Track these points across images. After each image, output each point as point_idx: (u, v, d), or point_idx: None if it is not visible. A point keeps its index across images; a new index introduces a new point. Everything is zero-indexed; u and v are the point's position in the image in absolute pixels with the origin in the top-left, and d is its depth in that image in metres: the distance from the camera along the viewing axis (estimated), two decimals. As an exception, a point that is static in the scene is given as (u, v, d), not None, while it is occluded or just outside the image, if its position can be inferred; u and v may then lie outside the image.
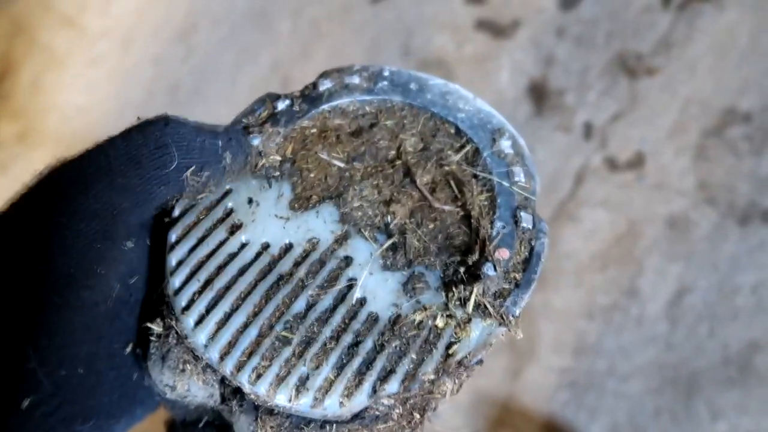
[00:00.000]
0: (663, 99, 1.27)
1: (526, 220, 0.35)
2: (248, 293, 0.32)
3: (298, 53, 1.53)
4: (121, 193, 0.31)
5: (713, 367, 1.15)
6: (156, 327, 0.32)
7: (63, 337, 0.31)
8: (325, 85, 0.39)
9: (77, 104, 1.69)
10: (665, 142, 1.26)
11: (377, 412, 0.30)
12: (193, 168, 0.32)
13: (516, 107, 1.33)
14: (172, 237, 0.34)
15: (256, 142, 0.36)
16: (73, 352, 0.31)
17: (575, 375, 1.21)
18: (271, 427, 0.30)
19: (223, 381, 0.32)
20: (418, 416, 0.31)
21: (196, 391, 0.32)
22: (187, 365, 0.32)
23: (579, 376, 1.21)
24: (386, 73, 0.40)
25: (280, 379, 0.30)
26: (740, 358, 1.15)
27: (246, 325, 0.32)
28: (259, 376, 0.30)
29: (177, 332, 0.32)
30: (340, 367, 0.31)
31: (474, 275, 0.33)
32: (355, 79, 0.40)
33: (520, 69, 1.36)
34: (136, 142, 0.32)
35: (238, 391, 0.31)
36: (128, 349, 0.34)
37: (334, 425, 0.30)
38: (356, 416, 0.30)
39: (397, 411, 0.31)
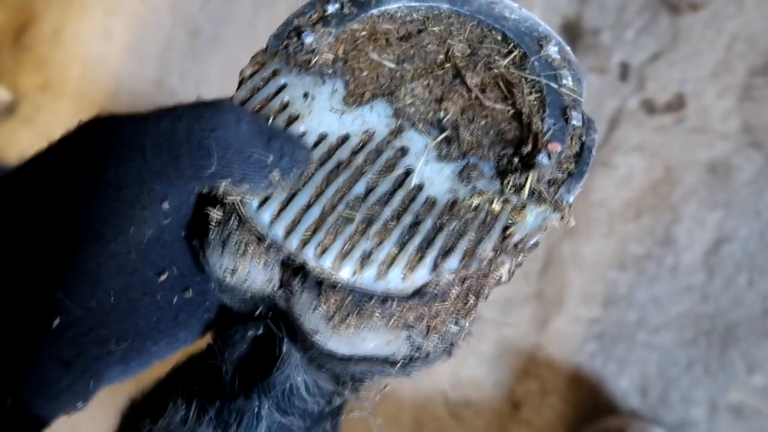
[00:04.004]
0: (707, 36, 1.19)
1: (575, 118, 0.36)
2: (309, 177, 0.33)
3: (319, -4, 1.48)
4: (153, 178, 0.30)
5: (751, 318, 1.10)
6: (216, 213, 0.32)
7: (92, 279, 0.31)
8: None
9: (98, 54, 1.68)
10: (708, 82, 1.18)
11: (436, 289, 0.31)
12: (229, 179, 0.31)
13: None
14: None
15: (309, 39, 0.37)
16: (104, 287, 0.31)
17: (604, 326, 1.18)
18: (334, 302, 0.31)
19: (283, 265, 0.32)
20: (473, 299, 0.32)
21: (256, 274, 0.32)
22: (249, 246, 0.32)
23: (608, 327, 1.17)
24: None
25: (345, 253, 0.31)
26: (781, 309, 1.10)
27: (309, 205, 0.32)
28: (324, 250, 0.31)
29: (239, 214, 0.32)
30: (402, 244, 0.31)
31: (528, 164, 0.34)
32: None
33: (554, 7, 1.28)
34: (179, 137, 0.30)
35: (299, 272, 0.32)
36: (162, 277, 0.33)
37: (395, 301, 0.31)
38: (416, 293, 0.31)
39: (455, 290, 0.31)
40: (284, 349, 0.33)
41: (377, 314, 0.30)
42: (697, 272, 1.14)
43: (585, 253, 1.20)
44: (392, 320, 0.31)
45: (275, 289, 0.33)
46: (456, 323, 0.32)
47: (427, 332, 0.31)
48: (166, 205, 0.31)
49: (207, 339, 0.37)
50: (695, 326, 1.13)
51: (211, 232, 0.33)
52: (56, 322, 0.30)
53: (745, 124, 1.15)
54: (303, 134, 0.34)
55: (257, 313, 0.35)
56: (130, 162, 0.29)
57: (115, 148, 0.30)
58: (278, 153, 0.31)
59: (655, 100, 1.21)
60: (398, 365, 0.33)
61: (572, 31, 1.28)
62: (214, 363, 0.35)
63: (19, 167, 0.31)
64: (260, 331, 0.34)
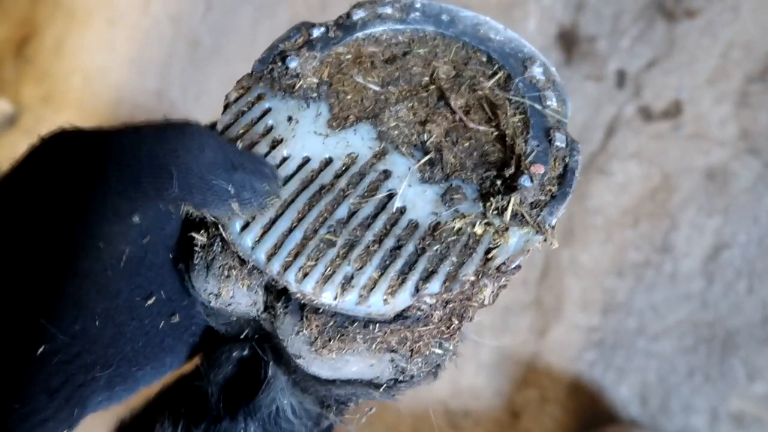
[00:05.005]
0: (703, 43, 1.19)
1: (559, 140, 0.36)
2: (291, 201, 0.33)
3: (316, 7, 1.49)
4: (114, 196, 0.30)
5: (751, 325, 1.10)
6: (200, 237, 0.33)
7: (74, 299, 0.30)
8: (359, 15, 0.40)
9: (99, 65, 1.69)
10: (705, 89, 1.18)
11: (419, 313, 0.31)
12: (190, 203, 0.31)
13: (544, 56, 1.26)
14: None
15: (293, 64, 0.38)
16: (87, 311, 0.31)
17: (603, 334, 1.17)
18: (317, 326, 0.31)
19: (267, 288, 0.32)
20: (456, 322, 0.32)
21: (240, 297, 0.33)
22: (233, 270, 0.32)
23: (607, 335, 1.17)
24: (418, 5, 0.41)
25: (326, 278, 0.31)
26: (781, 316, 1.09)
27: (291, 229, 0.32)
28: (305, 275, 0.31)
29: (222, 239, 0.32)
30: (383, 268, 0.31)
31: (510, 187, 0.34)
32: (388, 10, 0.41)
33: (549, 15, 1.29)
34: (140, 159, 0.29)
35: (282, 295, 0.32)
36: (150, 302, 0.33)
37: (377, 325, 0.31)
38: (399, 316, 0.31)
39: (438, 313, 0.31)
40: (270, 372, 0.33)
41: (359, 338, 0.30)
42: (696, 279, 1.14)
43: (583, 260, 1.20)
44: (375, 344, 0.31)
45: (260, 312, 0.33)
46: (440, 346, 0.32)
47: (411, 355, 0.31)
48: (136, 219, 0.30)
49: (197, 361, 0.37)
50: (695, 333, 1.12)
51: (195, 256, 0.33)
52: (41, 349, 0.29)
53: (742, 130, 1.15)
54: (286, 158, 0.35)
55: (243, 335, 0.35)
56: (90, 181, 0.29)
57: (74, 168, 0.29)
58: (239, 185, 0.31)
59: (651, 107, 1.21)
60: (382, 388, 0.33)
61: (568, 40, 1.28)
62: (200, 385, 0.35)
63: None
64: (245, 353, 0.34)
